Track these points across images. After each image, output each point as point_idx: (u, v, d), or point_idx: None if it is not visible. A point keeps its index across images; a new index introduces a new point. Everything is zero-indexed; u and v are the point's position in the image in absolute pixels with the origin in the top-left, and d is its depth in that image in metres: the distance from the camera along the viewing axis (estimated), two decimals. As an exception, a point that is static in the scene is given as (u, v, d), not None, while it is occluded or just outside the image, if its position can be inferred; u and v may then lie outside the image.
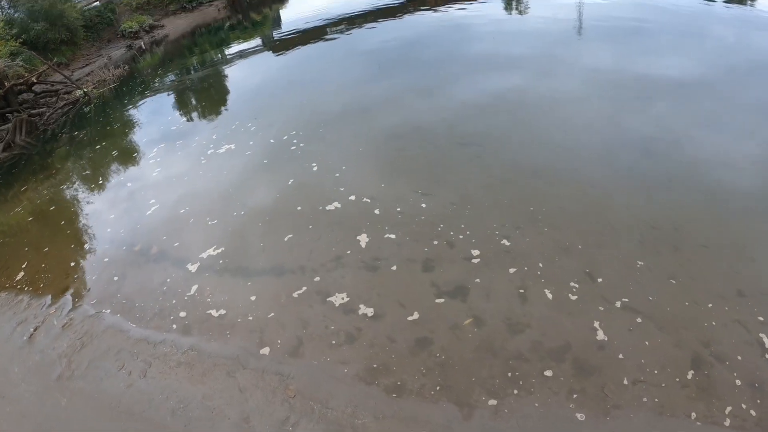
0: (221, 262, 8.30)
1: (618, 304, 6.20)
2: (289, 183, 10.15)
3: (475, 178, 9.36)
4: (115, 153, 13.46)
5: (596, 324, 5.94)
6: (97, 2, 46.97)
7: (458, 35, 17.86)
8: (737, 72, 11.77)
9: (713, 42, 14.05)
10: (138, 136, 14.32)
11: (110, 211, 10.57)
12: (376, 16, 24.32)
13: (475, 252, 7.50)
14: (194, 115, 15.12)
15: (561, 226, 7.66)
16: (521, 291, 6.62)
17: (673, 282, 6.37)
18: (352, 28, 22.60)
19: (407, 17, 23.13)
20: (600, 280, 6.59)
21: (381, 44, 18.12)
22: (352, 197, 9.38)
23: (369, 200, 9.24)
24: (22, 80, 18.24)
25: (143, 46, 31.95)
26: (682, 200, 7.80)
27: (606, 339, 5.76)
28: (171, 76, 21.17)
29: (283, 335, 6.69)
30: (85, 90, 19.50)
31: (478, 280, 7.00)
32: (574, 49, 14.68)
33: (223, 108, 15.16)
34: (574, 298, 6.37)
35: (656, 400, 5.06)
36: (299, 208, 9.30)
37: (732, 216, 7.32)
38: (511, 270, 6.99)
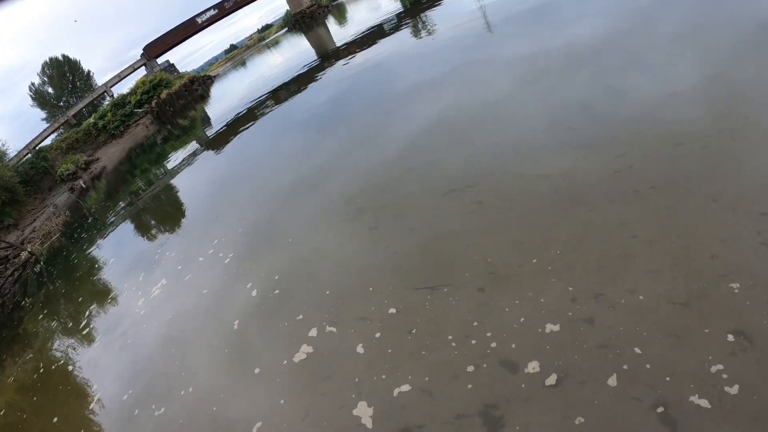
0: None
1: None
2: (235, 326, 7.57)
3: (471, 232, 6.92)
4: (81, 302, 12.16)
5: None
6: (28, 154, 45.89)
7: (380, 76, 17.31)
8: (644, 12, 11.27)
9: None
10: (105, 276, 13.06)
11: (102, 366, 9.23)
12: (298, 84, 23.86)
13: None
14: (157, 237, 13.94)
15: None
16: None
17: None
18: (280, 102, 21.99)
19: (326, 74, 22.75)
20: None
21: (312, 108, 17.44)
22: (332, 328, 6.47)
23: (356, 329, 6.27)
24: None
25: (84, 185, 30.72)
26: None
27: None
28: (121, 205, 20.00)
29: None
30: (29, 250, 18.17)
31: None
32: (490, 48, 14.10)
33: (180, 222, 14.02)
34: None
35: None
36: (257, 370, 6.44)
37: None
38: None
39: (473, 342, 5.23)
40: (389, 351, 5.64)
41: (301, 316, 6.94)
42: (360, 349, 5.87)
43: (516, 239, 6.28)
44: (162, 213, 16.06)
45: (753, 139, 5.90)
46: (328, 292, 7.16)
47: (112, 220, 18.54)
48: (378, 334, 5.95)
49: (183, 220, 14.06)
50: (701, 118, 6.63)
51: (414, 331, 5.72)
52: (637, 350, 4.43)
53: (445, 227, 7.27)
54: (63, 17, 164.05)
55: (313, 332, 6.52)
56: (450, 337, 5.41)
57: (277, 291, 7.84)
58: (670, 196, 5.76)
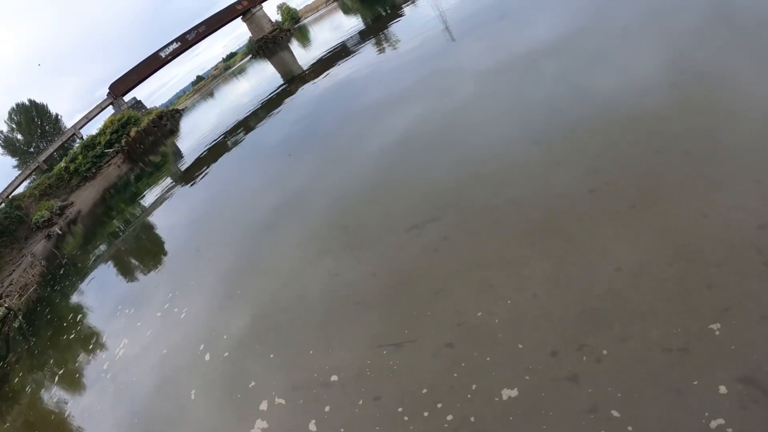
0: None
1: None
2: (192, 397, 6.86)
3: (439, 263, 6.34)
4: (71, 353, 11.56)
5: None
6: (2, 204, 44.81)
7: (348, 93, 17.10)
8: (603, 10, 11.08)
9: None
10: (71, 335, 12.42)
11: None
12: (266, 110, 23.56)
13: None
14: (140, 279, 13.35)
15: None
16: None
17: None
18: (250, 130, 21.65)
19: (295, 98, 22.47)
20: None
21: (282, 133, 17.08)
22: (282, 401, 5.82)
23: (311, 398, 5.60)
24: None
25: (60, 231, 29.94)
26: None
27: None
28: (102, 248, 19.39)
29: None
30: (6, 305, 17.46)
31: None
32: (451, 59, 13.83)
33: (161, 260, 13.44)
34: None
35: None
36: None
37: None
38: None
39: (448, 416, 4.57)
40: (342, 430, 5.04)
41: (253, 383, 6.40)
42: (312, 426, 5.23)
43: (486, 281, 5.67)
44: (143, 253, 15.53)
45: (736, 139, 5.40)
46: (282, 354, 6.60)
47: (84, 269, 17.89)
48: (330, 407, 5.32)
49: (153, 265, 13.46)
50: (678, 120, 6.14)
51: (377, 399, 5.12)
52: (631, 413, 3.78)
53: (408, 270, 6.56)
54: (26, 62, 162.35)
55: (264, 405, 5.92)
56: (415, 407, 4.79)
57: (227, 354, 7.26)
58: (653, 215, 5.21)
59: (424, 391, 4.89)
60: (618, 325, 4.47)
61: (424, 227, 7.17)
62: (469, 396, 4.62)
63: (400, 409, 4.87)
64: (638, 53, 8.20)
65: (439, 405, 4.69)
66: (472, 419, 4.42)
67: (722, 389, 3.61)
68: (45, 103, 68.19)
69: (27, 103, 66.71)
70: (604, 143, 6.50)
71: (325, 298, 7.06)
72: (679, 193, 5.24)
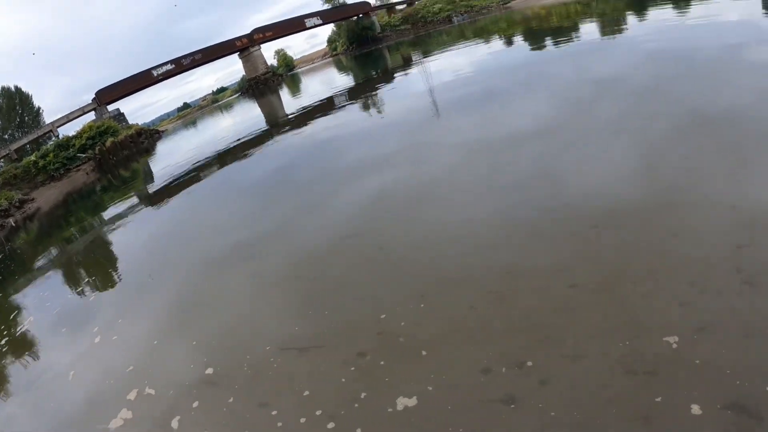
0: None
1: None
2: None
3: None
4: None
5: None
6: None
7: (325, 148, 17.88)
8: (584, 100, 12.45)
9: (557, 84, 15.36)
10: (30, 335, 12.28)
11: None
12: (244, 149, 24.14)
13: None
14: (86, 293, 13.29)
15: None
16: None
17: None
18: (225, 165, 22.52)
19: (274, 143, 23.50)
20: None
21: (256, 175, 17.88)
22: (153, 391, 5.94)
23: None
24: None
25: (14, 224, 29.54)
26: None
27: None
28: (53, 252, 19.31)
29: None
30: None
31: None
32: (432, 131, 14.76)
33: (111, 278, 13.46)
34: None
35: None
36: None
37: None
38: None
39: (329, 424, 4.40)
40: None
41: (131, 367, 6.90)
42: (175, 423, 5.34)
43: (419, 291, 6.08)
44: (93, 267, 15.54)
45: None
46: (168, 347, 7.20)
47: (28, 268, 17.77)
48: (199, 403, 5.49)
49: (111, 279, 13.45)
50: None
51: (249, 395, 5.29)
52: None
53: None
54: (22, 47, 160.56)
55: (133, 395, 6.12)
56: (293, 411, 4.72)
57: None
58: (621, 230, 5.55)
59: (306, 393, 4.93)
60: (570, 342, 4.17)
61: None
62: (356, 405, 4.54)
63: (274, 413, 4.87)
64: (610, 152, 8.88)
65: (319, 412, 4.59)
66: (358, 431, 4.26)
67: (695, 410, 3.32)
68: (30, 94, 67.70)
69: (13, 88, 66.15)
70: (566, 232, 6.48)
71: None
72: (650, 212, 5.87)
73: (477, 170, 10.21)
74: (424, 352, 4.94)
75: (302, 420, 4.68)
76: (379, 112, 21.48)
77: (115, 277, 13.03)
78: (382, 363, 5.10)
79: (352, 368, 5.18)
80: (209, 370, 6.18)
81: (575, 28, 28.14)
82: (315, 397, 4.95)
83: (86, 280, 13.59)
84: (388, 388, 4.67)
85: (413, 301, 6.01)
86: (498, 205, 8.13)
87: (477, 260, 6.45)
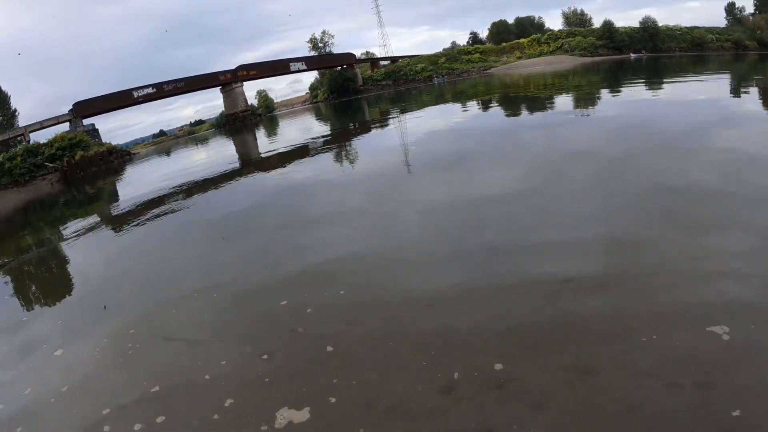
0: None
1: None
2: None
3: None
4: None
5: None
6: None
7: (296, 195, 18.09)
8: (552, 168, 13.43)
9: (531, 151, 16.70)
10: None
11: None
12: (214, 183, 24.40)
13: None
14: (34, 307, 13.22)
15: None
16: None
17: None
18: (191, 197, 22.69)
19: (244, 181, 24.03)
20: None
21: (221, 213, 18.01)
22: None
23: None
24: None
25: (-30, 225, 29.02)
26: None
27: None
28: (3, 259, 19.07)
29: None
30: None
31: None
32: (408, 190, 15.04)
33: (63, 298, 13.29)
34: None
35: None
36: None
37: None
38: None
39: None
40: None
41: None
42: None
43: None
44: (44, 282, 15.49)
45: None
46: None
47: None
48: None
49: (63, 299, 13.42)
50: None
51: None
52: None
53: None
54: (7, 46, 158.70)
55: None
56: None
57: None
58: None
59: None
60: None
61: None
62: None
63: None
64: (577, 220, 9.41)
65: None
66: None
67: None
68: (9, 94, 67.12)
69: (-7, 86, 65.71)
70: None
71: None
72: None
73: (443, 235, 10.09)
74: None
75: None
76: (351, 164, 22.41)
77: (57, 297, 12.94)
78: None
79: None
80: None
81: (550, 99, 29.84)
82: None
83: (40, 299, 13.47)
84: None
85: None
86: (459, 279, 7.91)
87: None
